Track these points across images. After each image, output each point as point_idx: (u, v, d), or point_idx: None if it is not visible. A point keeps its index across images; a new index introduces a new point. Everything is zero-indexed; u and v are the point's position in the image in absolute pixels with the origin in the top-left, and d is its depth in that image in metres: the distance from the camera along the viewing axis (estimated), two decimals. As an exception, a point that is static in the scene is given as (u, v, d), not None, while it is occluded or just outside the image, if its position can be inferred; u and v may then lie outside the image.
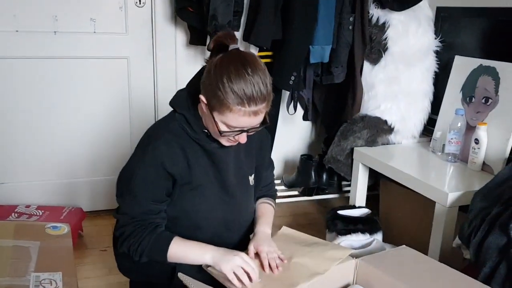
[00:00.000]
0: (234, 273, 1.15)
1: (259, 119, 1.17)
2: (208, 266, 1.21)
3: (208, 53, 2.39)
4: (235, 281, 1.14)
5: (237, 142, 1.22)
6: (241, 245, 1.35)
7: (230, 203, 1.33)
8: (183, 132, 1.24)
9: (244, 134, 1.20)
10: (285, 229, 1.47)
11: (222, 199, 1.31)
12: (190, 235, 1.25)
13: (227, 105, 1.11)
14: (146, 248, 1.21)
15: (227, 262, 1.17)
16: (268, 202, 1.47)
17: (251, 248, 1.28)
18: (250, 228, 1.43)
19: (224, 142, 1.24)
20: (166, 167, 1.21)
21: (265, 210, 1.44)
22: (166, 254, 1.21)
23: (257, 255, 1.26)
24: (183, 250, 1.22)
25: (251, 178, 1.39)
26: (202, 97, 1.17)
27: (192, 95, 1.25)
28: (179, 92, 1.30)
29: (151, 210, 1.23)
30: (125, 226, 1.24)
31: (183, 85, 1.32)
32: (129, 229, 1.23)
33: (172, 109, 1.29)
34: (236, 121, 1.14)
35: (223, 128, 1.17)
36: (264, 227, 1.36)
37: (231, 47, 1.16)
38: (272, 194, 1.51)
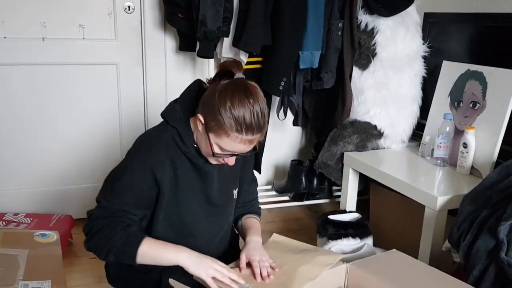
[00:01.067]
0: (212, 278, 1.17)
1: (252, 146, 1.22)
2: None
3: (197, 59, 2.40)
4: (214, 286, 1.16)
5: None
6: (222, 257, 1.35)
7: (214, 215, 1.36)
8: (174, 144, 1.25)
9: (234, 157, 1.25)
10: (275, 237, 1.48)
11: (207, 211, 1.33)
12: None
13: (225, 130, 1.16)
14: (117, 243, 1.18)
15: (203, 267, 1.18)
16: (254, 217, 1.49)
17: (243, 257, 1.28)
18: (229, 240, 1.46)
19: (213, 161, 1.28)
20: (155, 173, 1.21)
21: (253, 223, 1.46)
22: (137, 251, 1.17)
23: (249, 264, 1.27)
24: (156, 248, 1.21)
25: (235, 192, 1.42)
26: (200, 117, 1.20)
27: (184, 108, 1.27)
28: (172, 104, 1.31)
29: (127, 211, 1.23)
30: (99, 219, 1.21)
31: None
32: (102, 222, 1.20)
33: (162, 119, 1.30)
34: (230, 146, 1.19)
35: (216, 150, 1.21)
36: (255, 237, 1.38)
37: (237, 75, 1.20)
38: (257, 211, 1.53)
